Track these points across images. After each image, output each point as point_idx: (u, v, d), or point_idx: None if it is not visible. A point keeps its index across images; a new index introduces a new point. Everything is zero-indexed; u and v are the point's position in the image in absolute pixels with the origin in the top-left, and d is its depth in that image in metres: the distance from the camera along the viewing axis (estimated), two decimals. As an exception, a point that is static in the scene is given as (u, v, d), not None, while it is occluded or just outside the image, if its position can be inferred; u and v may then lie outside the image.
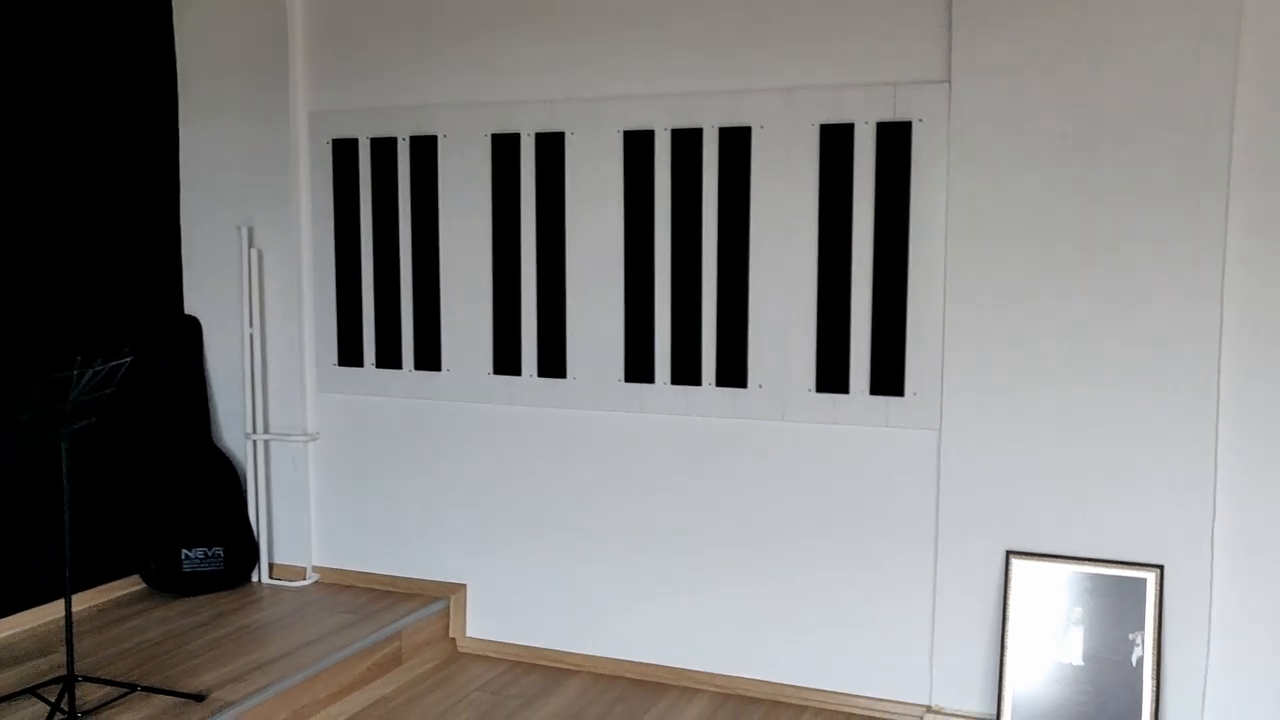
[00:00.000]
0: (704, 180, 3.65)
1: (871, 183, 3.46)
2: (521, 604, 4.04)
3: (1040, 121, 3.24)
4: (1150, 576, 3.22)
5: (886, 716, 3.57)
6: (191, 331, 4.37)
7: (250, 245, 4.27)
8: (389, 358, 4.15)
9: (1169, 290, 3.16)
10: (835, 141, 3.49)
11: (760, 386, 3.63)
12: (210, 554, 4.22)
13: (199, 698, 3.25)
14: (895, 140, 3.42)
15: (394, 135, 4.06)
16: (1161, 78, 3.11)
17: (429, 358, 4.09)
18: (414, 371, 4.12)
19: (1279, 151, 3.06)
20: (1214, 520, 3.19)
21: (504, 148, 3.90)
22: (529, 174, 3.88)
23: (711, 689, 3.77)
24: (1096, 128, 3.18)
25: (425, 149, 4.01)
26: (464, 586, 4.13)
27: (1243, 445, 3.17)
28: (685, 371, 3.72)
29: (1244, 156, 3.09)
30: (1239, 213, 3.11)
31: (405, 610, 3.99)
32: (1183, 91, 3.09)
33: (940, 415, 3.42)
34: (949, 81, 3.34)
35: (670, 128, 3.68)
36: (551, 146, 3.84)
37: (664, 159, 3.69)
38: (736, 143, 3.60)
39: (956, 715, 3.46)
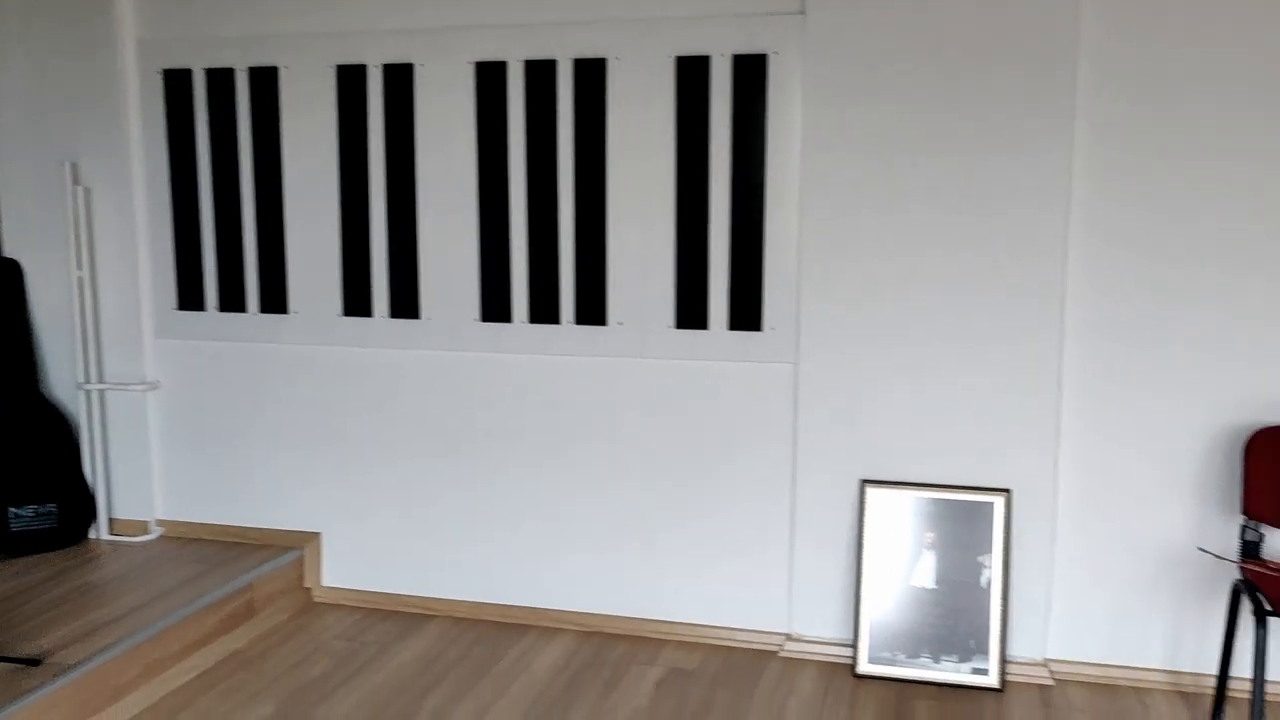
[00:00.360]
0: (559, 114, 3.57)
1: (729, 117, 3.44)
2: (377, 551, 3.96)
3: (892, 54, 3.27)
4: (998, 501, 3.34)
5: (747, 646, 3.63)
6: (12, 275, 4.09)
7: (76, 182, 4.00)
8: (232, 300, 3.97)
9: (1017, 228, 3.24)
10: (692, 74, 3.45)
11: (620, 324, 3.61)
12: (42, 511, 3.99)
13: (34, 662, 3.07)
14: (751, 73, 3.41)
15: (231, 66, 3.85)
16: (1008, 8, 3.17)
17: (275, 300, 3.92)
18: (259, 314, 3.95)
19: (1122, 87, 3.16)
20: (1057, 446, 3.32)
21: (350, 80, 3.74)
22: (377, 107, 3.73)
23: (573, 627, 3.76)
24: (946, 59, 3.23)
25: (266, 81, 3.82)
26: (318, 535, 4.01)
27: (1084, 377, 3.30)
28: (543, 309, 3.67)
29: (1088, 87, 3.19)
30: (1083, 145, 3.21)
31: (257, 561, 3.86)
32: (1028, 24, 3.16)
33: (797, 350, 3.46)
34: (804, 13, 3.33)
35: (524, 59, 3.58)
36: (400, 79, 3.70)
37: (517, 91, 3.60)
38: (592, 75, 3.53)
39: (815, 641, 3.54)
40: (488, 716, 3.15)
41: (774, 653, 3.58)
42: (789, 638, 3.58)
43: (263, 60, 3.81)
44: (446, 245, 3.73)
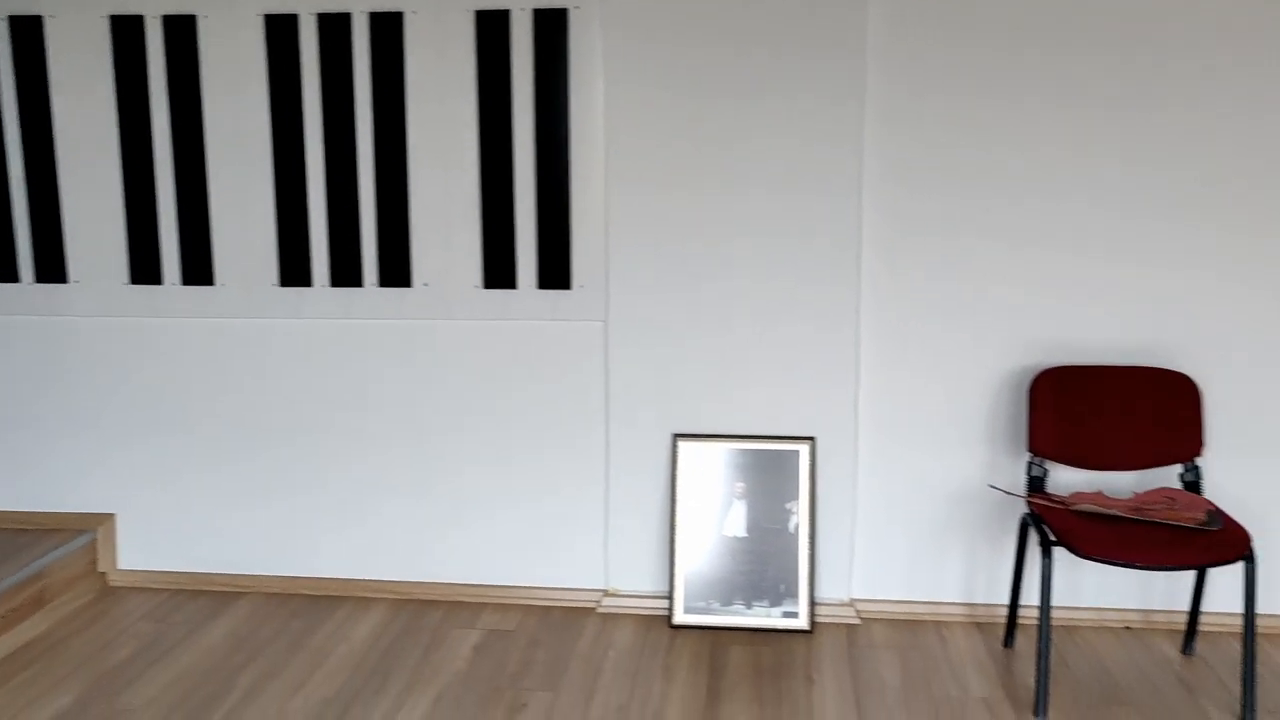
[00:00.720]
0: (355, 69, 3.45)
1: (531, 71, 3.39)
2: (178, 530, 3.78)
3: (689, 9, 3.27)
4: (803, 449, 3.43)
5: (565, 604, 3.64)
6: None
7: None
8: (3, 269, 3.70)
9: (813, 183, 3.31)
10: (492, 28, 3.38)
11: (426, 285, 3.53)
12: None
13: None
14: (552, 27, 3.36)
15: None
16: (802, -30, 3.23)
17: (52, 268, 3.67)
18: (35, 284, 3.69)
19: (916, 26, 3.25)
20: (857, 394, 3.43)
21: (126, 31, 3.51)
22: (158, 61, 3.52)
23: (388, 596, 3.70)
24: (743, 14, 3.26)
25: (28, 30, 3.55)
26: (112, 516, 3.81)
27: (881, 325, 3.41)
28: (345, 273, 3.55)
29: (880, 16, 3.27)
30: (875, 87, 3.29)
31: (46, 547, 3.63)
32: (822, -16, 3.23)
33: (607, 307, 3.46)
34: (603, -32, 3.31)
35: (315, 12, 3.43)
36: (183, 31, 3.49)
37: (311, 45, 3.45)
38: (388, 29, 3.42)
39: (632, 596, 3.58)
40: (304, 690, 3.06)
41: (592, 609, 3.60)
42: (606, 593, 3.61)
43: (24, 9, 3.54)
44: (240, 207, 3.56)
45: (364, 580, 3.72)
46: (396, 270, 3.53)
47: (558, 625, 3.49)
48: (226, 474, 3.73)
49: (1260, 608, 3.43)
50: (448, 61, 3.41)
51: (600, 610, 3.58)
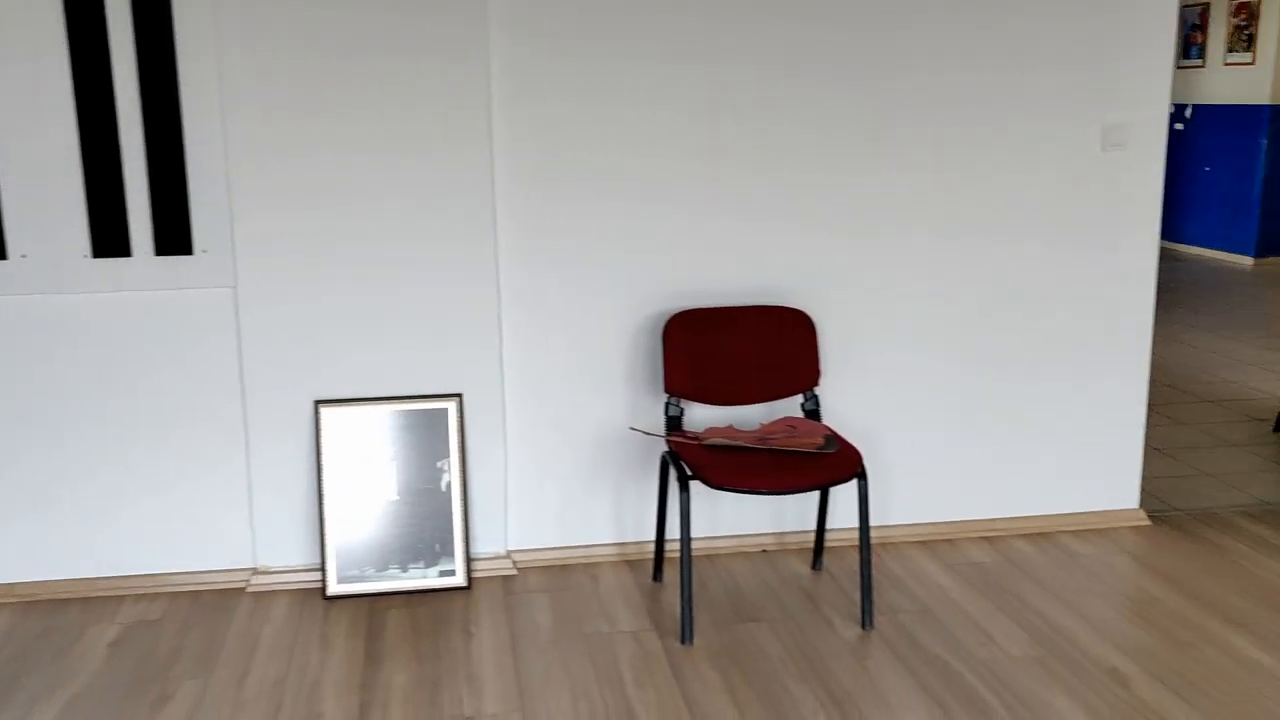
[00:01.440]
0: (-79, 19, 3.08)
1: (129, 20, 3.13)
2: None
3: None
4: (451, 406, 3.42)
5: (214, 586, 3.46)
6: None
7: None
8: None
9: (444, 141, 3.28)
10: (81, -25, 3.12)
11: (24, 256, 3.22)
12: None
13: None
14: (152, -24, 3.14)
15: None
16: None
17: None
18: None
19: (538, 3, 3.29)
20: (501, 349, 3.46)
21: None
22: None
23: (13, 600, 3.38)
24: (362, -30, 3.17)
25: None
26: None
27: (520, 277, 3.44)
28: (-73, 247, 3.19)
29: (500, 9, 3.28)
30: (499, 46, 3.30)
31: None
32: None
33: (235, 272, 3.29)
34: (205, -87, 3.11)
35: None
36: None
37: None
38: (-41, -25, 3.07)
39: (283, 571, 3.46)
40: (-99, 715, 2.76)
41: (242, 589, 3.45)
42: (256, 571, 3.46)
43: None
44: None
45: (-22, 585, 3.39)
46: (-11, 242, 3.20)
47: (208, 609, 3.32)
48: None
49: (878, 519, 3.76)
50: (34, 8, 3.10)
51: (250, 589, 3.44)
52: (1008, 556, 3.64)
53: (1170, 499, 4.14)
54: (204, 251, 3.27)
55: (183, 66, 3.17)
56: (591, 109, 3.37)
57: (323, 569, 3.38)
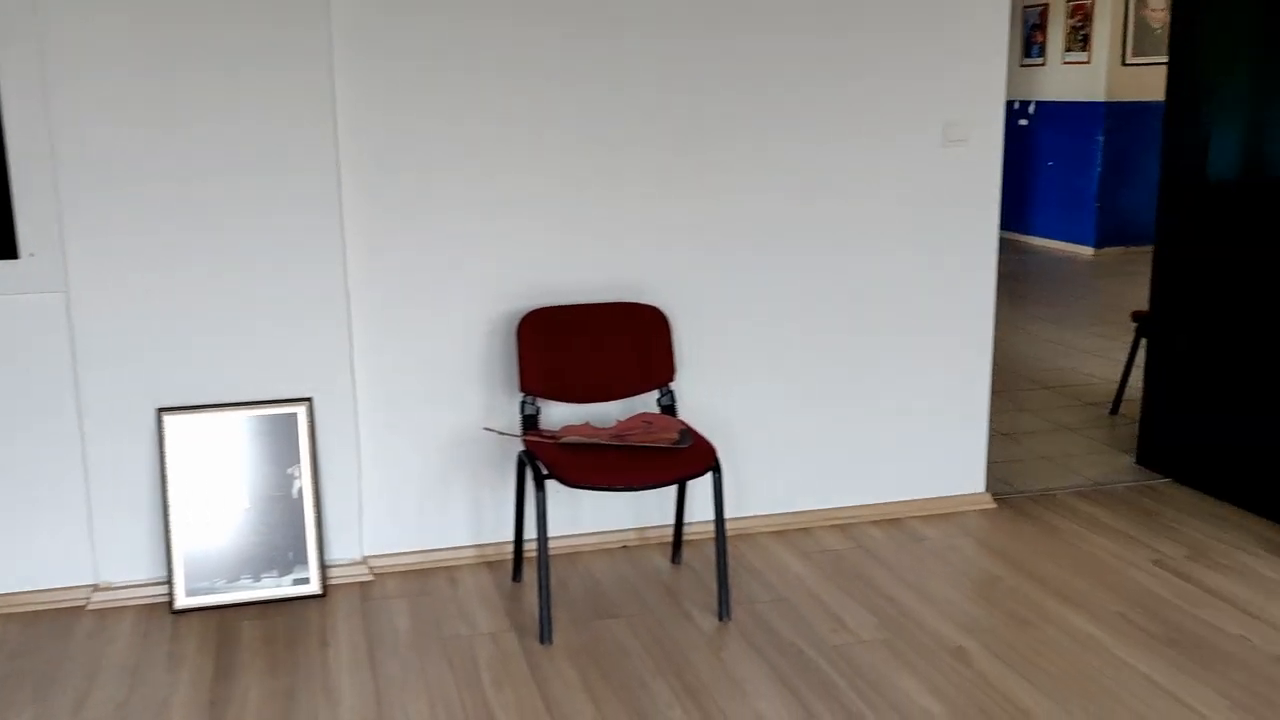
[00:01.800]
0: None
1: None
2: None
3: (136, -46, 3.04)
4: (301, 410, 3.35)
5: (52, 606, 3.31)
6: None
7: None
8: None
9: (285, 132, 3.20)
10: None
11: None
12: None
13: None
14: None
15: None
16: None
17: None
18: None
19: (379, 15, 3.23)
20: (352, 351, 3.39)
21: None
22: None
23: None
24: (196, -37, 3.08)
25: None
26: None
27: (371, 280, 3.38)
28: None
29: (343, 14, 3.22)
30: (343, 57, 3.24)
31: None
32: (277, -70, 3.11)
33: (66, 276, 3.16)
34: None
35: None
36: None
37: None
38: None
39: (127, 586, 3.33)
40: None
41: (82, 607, 3.31)
42: (97, 588, 3.33)
43: None
44: None
45: None
46: None
47: (46, 630, 3.18)
48: None
49: (735, 511, 3.82)
50: None
51: (92, 606, 3.30)
52: (860, 543, 3.73)
53: (1014, 482, 4.30)
54: (31, 255, 3.13)
55: (2, 59, 3.02)
56: (442, 105, 3.33)
57: (169, 582, 3.27)
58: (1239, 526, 3.86)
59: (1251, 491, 3.97)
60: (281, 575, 3.33)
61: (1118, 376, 5.44)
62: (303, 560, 3.35)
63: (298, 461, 3.35)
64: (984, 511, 4.01)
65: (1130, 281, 8.45)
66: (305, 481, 3.35)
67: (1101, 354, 6.29)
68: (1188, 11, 4.14)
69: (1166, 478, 4.33)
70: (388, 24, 3.25)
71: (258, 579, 3.32)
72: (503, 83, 3.36)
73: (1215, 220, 4.06)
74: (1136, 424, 4.61)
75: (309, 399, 3.36)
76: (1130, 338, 5.93)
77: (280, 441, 3.34)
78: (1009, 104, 10.97)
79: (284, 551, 3.34)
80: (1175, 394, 4.29)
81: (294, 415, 3.34)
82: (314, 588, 3.35)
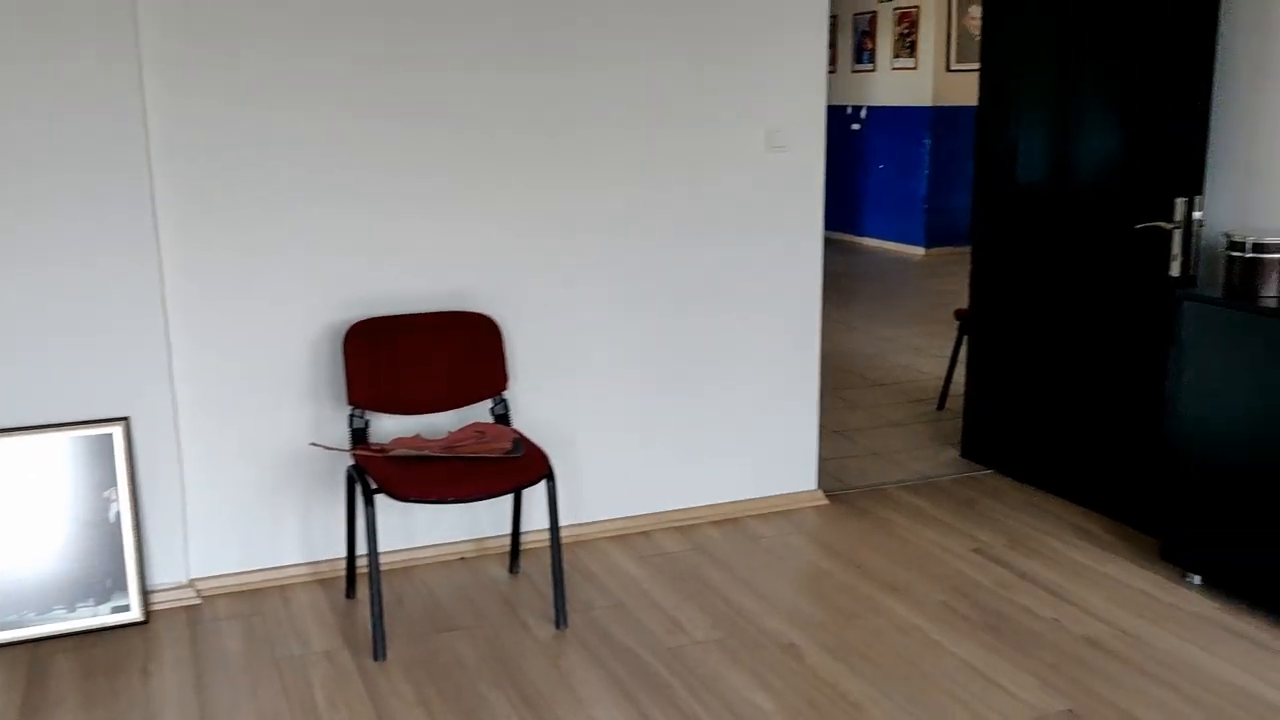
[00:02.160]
0: None
1: None
2: None
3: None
4: (117, 430, 3.21)
5: None
6: None
7: None
8: None
9: (96, 142, 3.07)
10: None
11: None
12: None
13: None
14: None
15: None
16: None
17: None
18: None
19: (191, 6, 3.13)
20: (171, 368, 3.27)
21: None
22: None
23: None
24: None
25: None
26: None
27: (188, 295, 3.27)
28: None
29: (150, 5, 3.10)
30: (154, 74, 3.12)
31: None
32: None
33: None
34: None
35: None
36: None
37: None
38: None
39: (-70, 622, 3.15)
40: None
41: (-121, 647, 3.12)
42: (-105, 625, 3.14)
43: None
44: None
45: None
46: None
47: None
48: None
49: (574, 518, 3.83)
50: None
51: (-110, 646, 3.11)
52: (697, 544, 3.79)
53: (845, 478, 4.43)
54: None
55: None
56: (258, 109, 3.24)
57: (-25, 616, 3.11)
58: (1053, 514, 4.06)
59: (1064, 480, 4.19)
60: (99, 604, 3.19)
61: (944, 373, 5.66)
62: (122, 587, 3.21)
63: (114, 484, 3.21)
64: (817, 508, 4.12)
65: (958, 281, 8.80)
66: (124, 504, 3.22)
67: (929, 351, 6.53)
68: (996, 20, 4.34)
69: (989, 469, 4.52)
70: (198, 13, 3.15)
71: (72, 609, 3.17)
72: (329, 81, 3.29)
73: (1025, 222, 4.26)
74: (961, 418, 4.81)
75: (126, 418, 3.22)
76: (955, 335, 6.18)
77: (95, 463, 3.19)
78: (841, 109, 11.30)
79: (101, 579, 3.20)
80: (994, 389, 4.49)
81: (109, 436, 3.20)
82: (135, 615, 3.22)
